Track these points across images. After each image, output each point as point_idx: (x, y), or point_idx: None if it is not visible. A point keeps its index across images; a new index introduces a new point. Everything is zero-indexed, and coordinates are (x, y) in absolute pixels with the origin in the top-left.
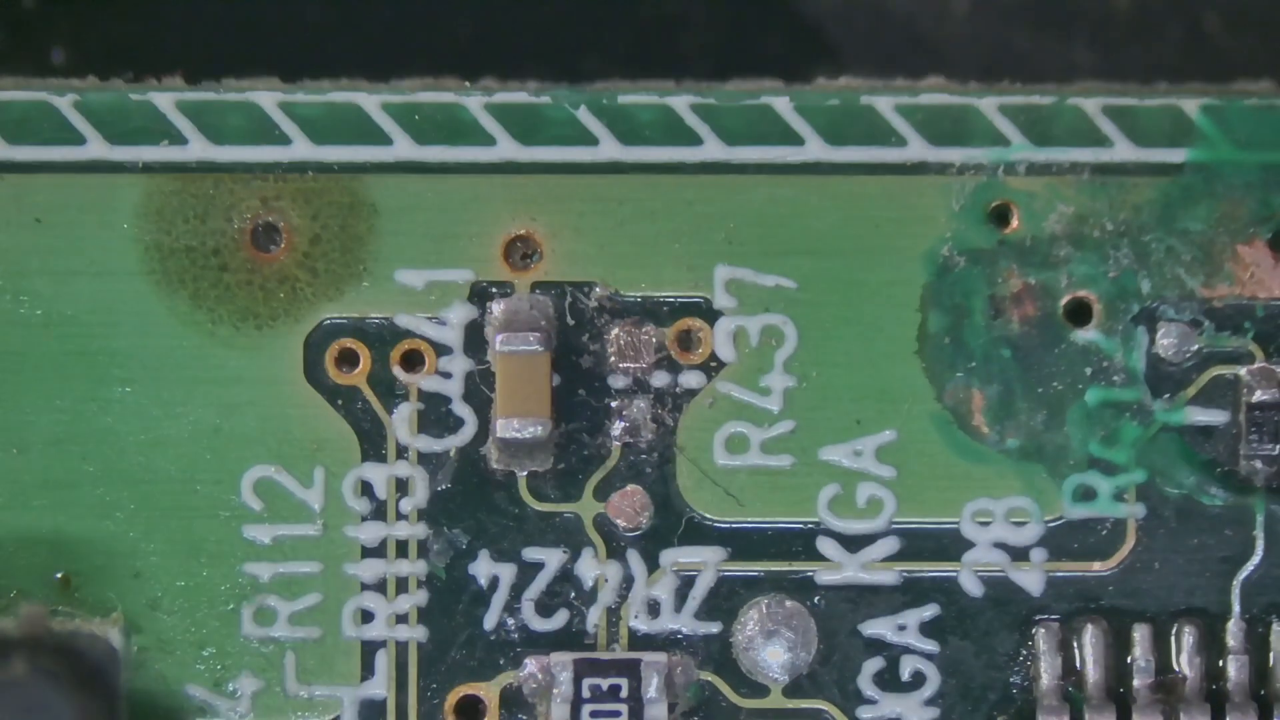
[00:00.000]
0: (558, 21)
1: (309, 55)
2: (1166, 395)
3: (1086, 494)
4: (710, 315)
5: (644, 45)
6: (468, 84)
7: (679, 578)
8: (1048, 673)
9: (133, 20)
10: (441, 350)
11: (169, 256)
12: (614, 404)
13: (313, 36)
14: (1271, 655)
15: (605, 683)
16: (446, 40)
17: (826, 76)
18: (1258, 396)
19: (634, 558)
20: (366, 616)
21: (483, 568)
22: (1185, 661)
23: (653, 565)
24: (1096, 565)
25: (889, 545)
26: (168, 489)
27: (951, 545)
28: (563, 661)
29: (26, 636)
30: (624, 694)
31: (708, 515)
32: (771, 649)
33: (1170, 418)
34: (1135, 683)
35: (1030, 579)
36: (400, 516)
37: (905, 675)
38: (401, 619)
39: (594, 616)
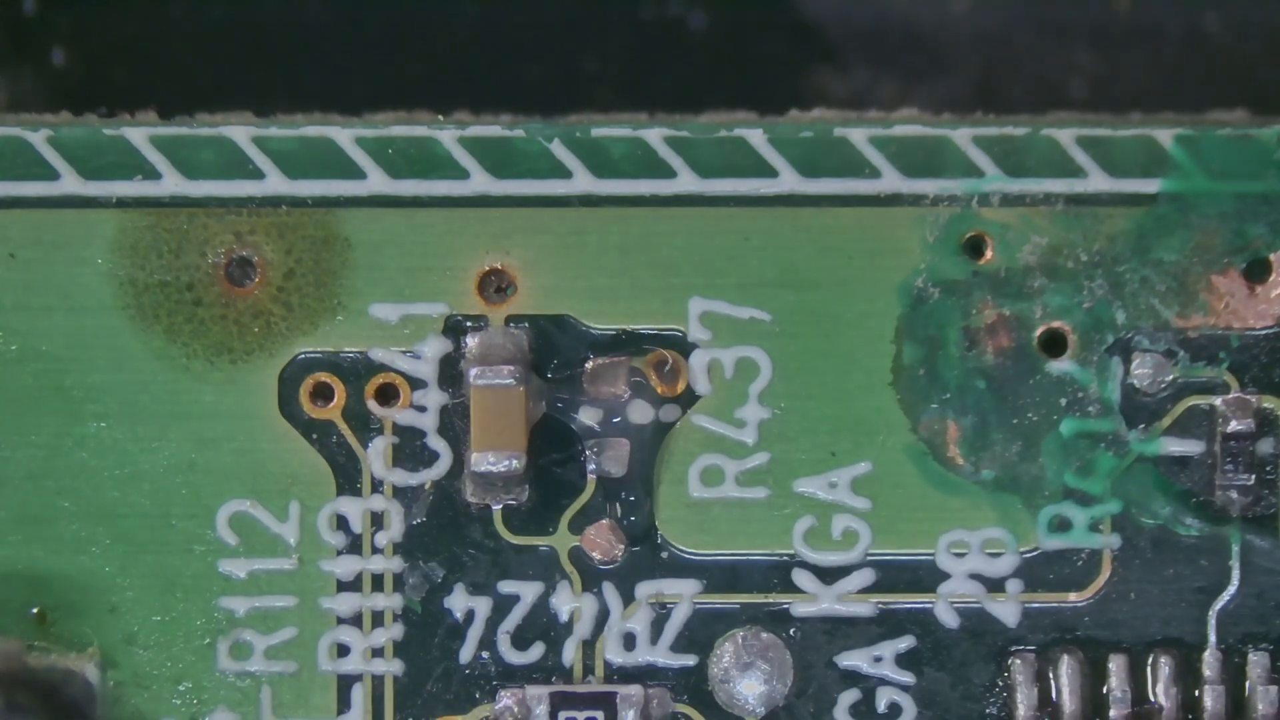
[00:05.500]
0: (539, 46)
1: (282, 89)
2: (1142, 426)
3: (1062, 525)
4: (685, 348)
5: (643, 47)
6: (440, 117)
7: (655, 610)
8: (1024, 704)
9: (134, 21)
10: (416, 384)
11: (143, 292)
12: (589, 437)
13: (285, 70)
14: (1248, 685)
15: (581, 715)
16: (419, 73)
17: (826, 76)
18: (1233, 427)
19: (609, 590)
20: (342, 650)
21: (458, 601)
22: (1162, 692)
23: (628, 598)
24: (1072, 596)
25: (864, 577)
26: (143, 524)
27: (927, 577)
28: (539, 694)
29: (2, 672)
30: None
31: (683, 548)
32: (747, 681)
33: (1145, 448)
34: (1112, 713)
35: (1006, 610)
36: (376, 550)
37: (881, 707)
38: (377, 652)
39: (570, 649)
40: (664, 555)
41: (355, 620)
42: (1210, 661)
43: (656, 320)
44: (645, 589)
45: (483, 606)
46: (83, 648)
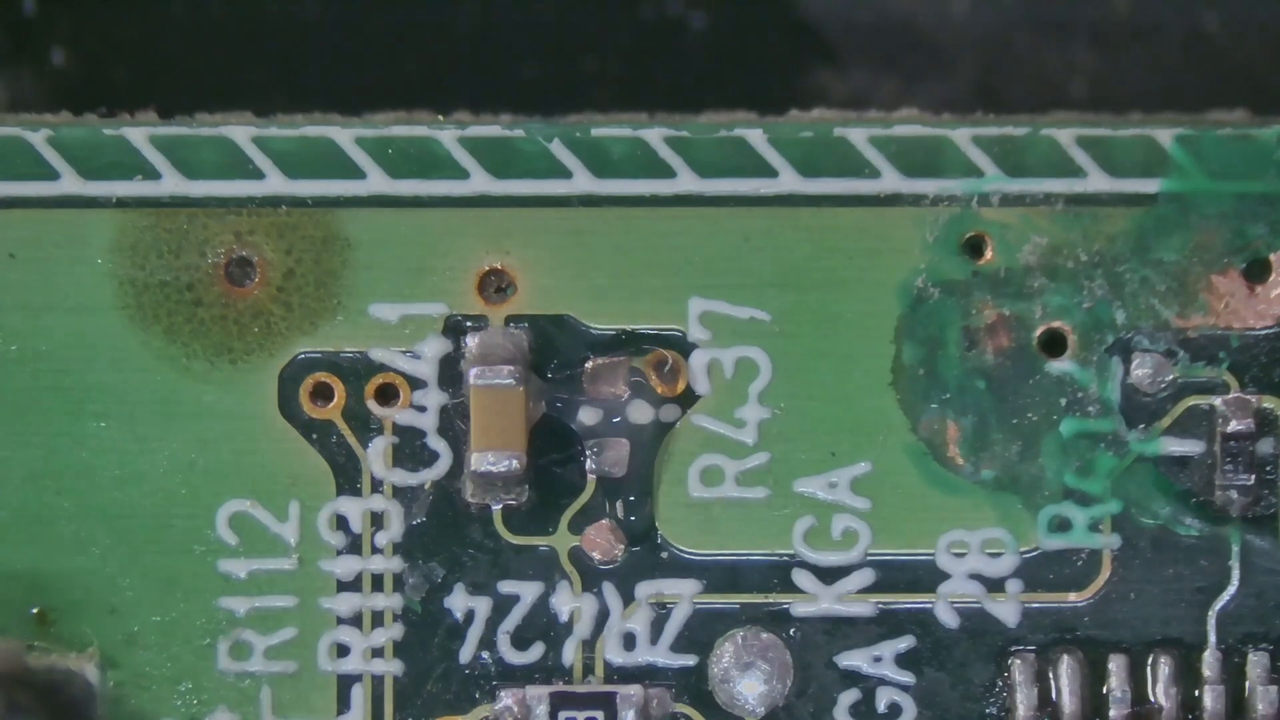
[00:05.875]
0: (539, 46)
1: (282, 89)
2: (1141, 426)
3: (1062, 525)
4: (685, 348)
5: (643, 47)
6: (440, 117)
7: (655, 610)
8: (1024, 704)
9: (133, 21)
10: (416, 384)
11: (143, 291)
12: (589, 437)
13: (285, 71)
14: (1247, 685)
15: (581, 715)
16: (419, 73)
17: (826, 76)
18: (1233, 427)
19: (609, 590)
20: (342, 650)
21: (458, 601)
22: (1161, 692)
23: (628, 598)
24: (1072, 596)
25: (864, 577)
26: (143, 524)
27: (927, 577)
28: (539, 694)
29: (3, 673)
30: None
31: (683, 548)
32: (747, 681)
33: (1145, 448)
34: (1111, 713)
35: (1006, 610)
36: (375, 550)
37: (881, 707)
38: (377, 653)
39: (570, 649)
40: (664, 555)
41: (355, 620)
42: (1210, 661)
43: (656, 320)
44: (645, 589)
45: (482, 606)
46: (83, 648)
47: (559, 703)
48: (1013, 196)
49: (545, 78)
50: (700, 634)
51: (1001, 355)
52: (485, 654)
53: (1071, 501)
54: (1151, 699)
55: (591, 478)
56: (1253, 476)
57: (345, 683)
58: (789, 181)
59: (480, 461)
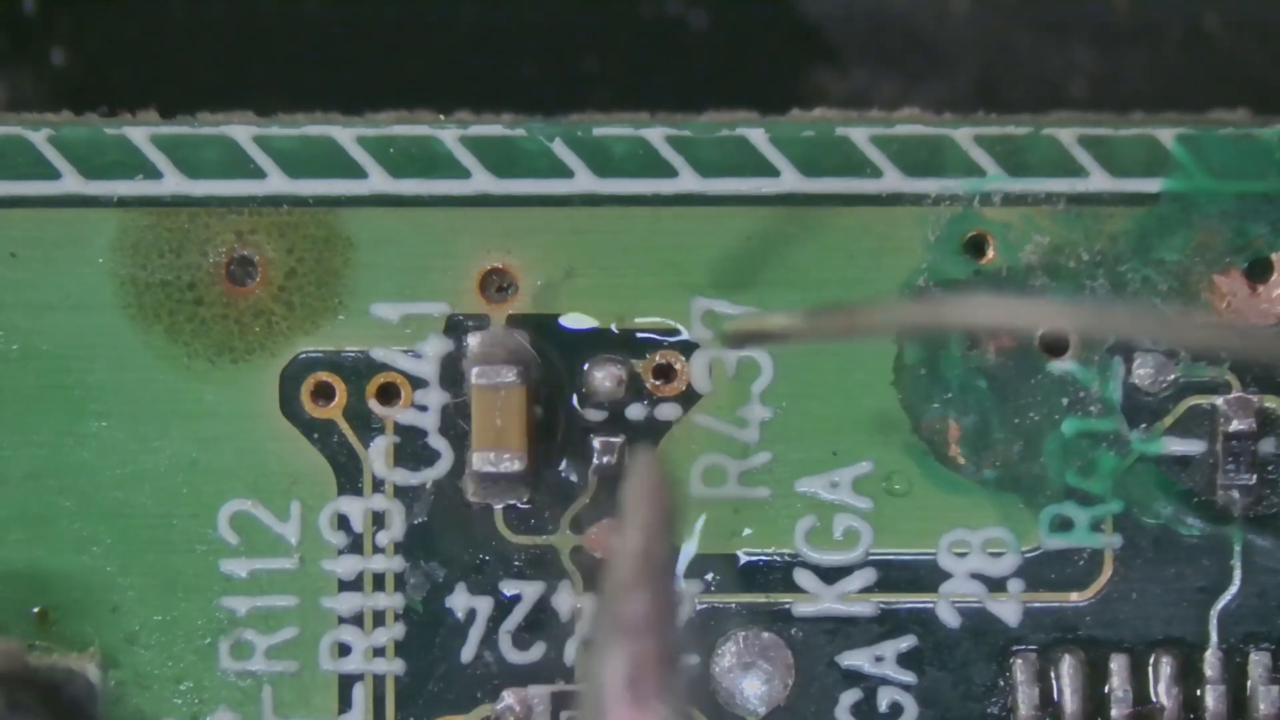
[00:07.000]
0: (540, 46)
1: (282, 89)
2: (1143, 425)
3: (1063, 524)
4: (687, 347)
5: (643, 47)
6: (442, 117)
7: None
8: (1025, 703)
9: (133, 21)
10: (417, 383)
11: (144, 291)
12: (591, 436)
13: (286, 70)
14: (1249, 685)
15: None
16: (420, 73)
17: (826, 76)
18: (1234, 426)
19: None
20: (344, 650)
21: (460, 601)
22: (1163, 691)
23: None
24: (1074, 596)
25: (866, 576)
26: (145, 523)
27: (928, 576)
28: (540, 694)
29: (4, 672)
30: None
31: (686, 547)
32: (749, 680)
33: (1147, 448)
34: (1113, 713)
35: (1007, 610)
36: (377, 550)
37: (883, 706)
38: (379, 652)
39: (571, 649)
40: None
41: (356, 620)
42: (1212, 661)
43: (658, 319)
44: None
45: (484, 606)
46: (84, 647)
47: (560, 702)
48: (1014, 196)
49: (546, 77)
50: (702, 633)
51: (1003, 355)
52: (487, 654)
53: (1073, 501)
54: (1153, 699)
55: (593, 477)
56: (1254, 476)
57: (346, 682)
58: (790, 181)
59: (482, 461)
